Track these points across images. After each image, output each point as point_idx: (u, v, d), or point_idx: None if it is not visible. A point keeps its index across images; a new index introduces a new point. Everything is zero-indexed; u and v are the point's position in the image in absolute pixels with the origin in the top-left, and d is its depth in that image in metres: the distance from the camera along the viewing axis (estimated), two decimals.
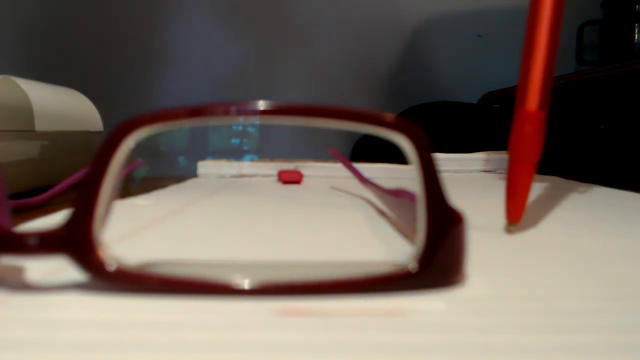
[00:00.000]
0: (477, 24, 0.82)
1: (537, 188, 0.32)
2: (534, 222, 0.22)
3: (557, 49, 0.21)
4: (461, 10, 0.82)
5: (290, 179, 0.40)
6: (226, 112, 0.13)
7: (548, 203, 0.28)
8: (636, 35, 0.68)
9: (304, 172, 0.43)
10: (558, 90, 0.50)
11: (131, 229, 0.20)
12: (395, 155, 0.20)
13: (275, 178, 0.41)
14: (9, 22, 0.43)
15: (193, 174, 0.43)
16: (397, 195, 0.20)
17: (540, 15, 0.21)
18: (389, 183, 0.24)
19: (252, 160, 0.35)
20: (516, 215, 0.21)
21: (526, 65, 0.21)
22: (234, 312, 0.12)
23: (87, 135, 0.39)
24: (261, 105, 0.13)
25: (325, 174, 0.43)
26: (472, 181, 0.41)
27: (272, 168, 0.43)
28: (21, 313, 0.12)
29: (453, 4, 0.82)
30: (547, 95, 0.21)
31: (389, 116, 0.13)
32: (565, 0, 0.21)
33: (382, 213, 0.25)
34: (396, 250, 0.18)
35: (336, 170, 0.42)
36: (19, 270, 0.14)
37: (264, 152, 0.42)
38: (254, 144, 0.35)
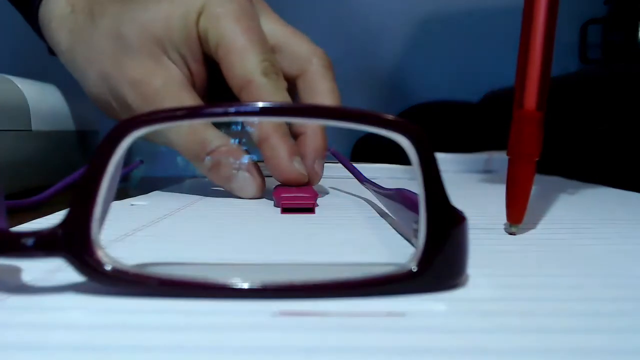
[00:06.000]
0: (477, 24, 0.82)
1: (540, 188, 0.31)
2: (536, 222, 0.22)
3: (553, 46, 0.21)
4: (461, 10, 0.82)
5: (293, 204, 0.25)
6: (226, 113, 0.13)
7: (550, 203, 0.28)
8: None
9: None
10: (561, 89, 0.50)
11: (129, 230, 0.20)
12: (395, 155, 0.20)
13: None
14: (6, 21, 0.43)
15: (193, 174, 0.42)
16: (398, 196, 0.20)
17: (535, 13, 0.20)
18: (389, 183, 0.24)
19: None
20: (517, 216, 0.20)
21: (523, 65, 0.21)
22: (233, 313, 0.12)
23: (84, 134, 0.39)
24: (261, 105, 0.13)
25: (325, 174, 0.43)
26: (473, 181, 0.41)
27: None
28: (18, 314, 0.12)
29: (453, 3, 0.82)
30: (544, 94, 0.21)
31: (390, 116, 0.13)
32: None
33: (382, 213, 0.25)
34: (397, 251, 0.18)
35: (336, 170, 0.41)
36: (16, 271, 0.14)
37: None
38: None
